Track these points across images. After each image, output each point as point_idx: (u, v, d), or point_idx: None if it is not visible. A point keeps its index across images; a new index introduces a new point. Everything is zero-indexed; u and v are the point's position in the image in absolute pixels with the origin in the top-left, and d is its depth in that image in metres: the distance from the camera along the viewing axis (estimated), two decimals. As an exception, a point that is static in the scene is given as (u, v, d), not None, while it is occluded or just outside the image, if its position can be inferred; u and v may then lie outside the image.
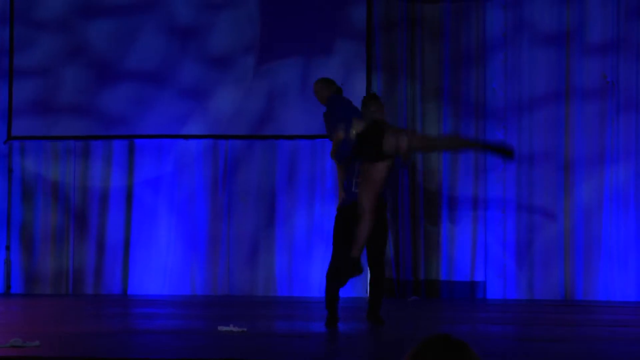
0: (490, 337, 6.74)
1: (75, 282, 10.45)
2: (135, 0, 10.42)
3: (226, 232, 10.43)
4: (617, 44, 10.00)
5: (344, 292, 10.22)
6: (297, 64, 10.30)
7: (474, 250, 10.22)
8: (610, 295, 9.93)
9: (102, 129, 10.42)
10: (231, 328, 6.47)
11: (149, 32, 10.35)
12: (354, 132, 6.64)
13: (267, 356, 5.43)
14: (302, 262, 10.37)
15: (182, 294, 10.31)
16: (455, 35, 10.28)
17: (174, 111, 10.35)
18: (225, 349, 5.59)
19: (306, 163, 10.43)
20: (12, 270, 10.55)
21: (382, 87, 10.30)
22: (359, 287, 10.29)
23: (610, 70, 10.00)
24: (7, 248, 10.56)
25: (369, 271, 7.30)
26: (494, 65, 10.24)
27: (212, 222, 10.44)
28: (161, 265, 10.44)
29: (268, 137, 10.35)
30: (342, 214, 7.02)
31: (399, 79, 10.31)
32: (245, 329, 6.51)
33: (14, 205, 10.58)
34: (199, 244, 10.45)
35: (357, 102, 7.09)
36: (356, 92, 10.04)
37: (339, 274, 6.93)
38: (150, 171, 10.54)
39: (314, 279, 10.33)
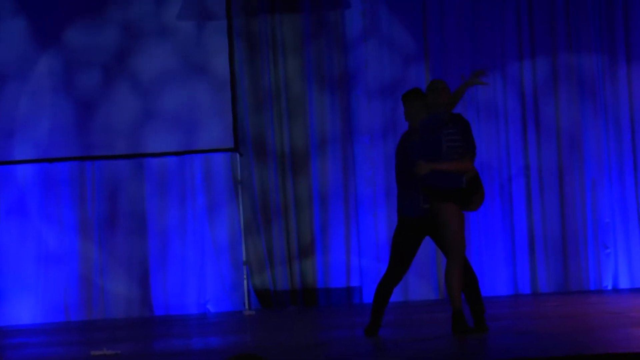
0: (368, 340, 6.80)
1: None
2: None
3: (98, 254, 10.23)
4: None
5: (216, 306, 10.18)
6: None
7: (348, 256, 10.30)
8: (482, 291, 10.10)
9: None
10: (104, 351, 6.36)
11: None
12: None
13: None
14: (177, 280, 10.25)
15: (56, 321, 10.06)
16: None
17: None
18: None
19: (175, 179, 10.33)
20: None
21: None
22: (236, 300, 10.25)
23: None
24: None
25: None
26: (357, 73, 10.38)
27: (82, 245, 10.22)
28: (32, 294, 10.16)
29: (135, 155, 10.20)
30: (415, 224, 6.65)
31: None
32: (119, 352, 6.41)
33: None
34: (71, 269, 10.21)
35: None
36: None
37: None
38: (14, 198, 10.25)
39: (190, 296, 10.24)
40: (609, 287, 10.23)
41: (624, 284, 10.24)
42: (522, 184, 10.36)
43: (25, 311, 10.13)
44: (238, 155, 10.29)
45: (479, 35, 10.39)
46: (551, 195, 10.34)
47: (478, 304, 6.78)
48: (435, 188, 6.51)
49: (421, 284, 10.23)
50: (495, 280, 10.22)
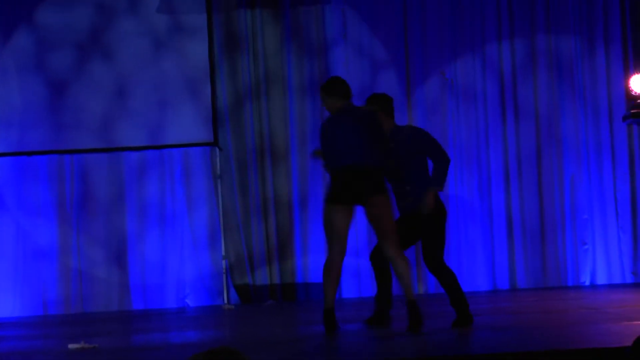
0: (345, 336, 6.81)
1: None
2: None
3: (76, 248, 10.18)
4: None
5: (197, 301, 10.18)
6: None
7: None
8: (463, 287, 10.15)
9: None
10: (82, 345, 6.34)
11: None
12: None
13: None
14: (156, 274, 10.23)
15: (34, 315, 10.02)
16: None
17: None
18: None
19: (154, 173, 10.29)
20: None
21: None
22: (215, 294, 10.23)
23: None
24: None
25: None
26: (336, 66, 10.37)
27: (61, 240, 10.18)
28: (10, 287, 10.11)
29: (114, 149, 10.16)
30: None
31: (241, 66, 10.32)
32: (96, 345, 6.39)
33: None
34: (49, 264, 10.16)
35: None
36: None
37: None
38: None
39: (169, 290, 10.21)
40: (587, 283, 10.28)
41: (601, 279, 10.29)
42: (502, 175, 10.37)
43: (3, 305, 10.07)
44: (218, 149, 10.26)
45: (459, 18, 10.38)
46: (530, 191, 10.36)
47: (460, 301, 6.83)
48: None
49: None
50: (474, 275, 10.25)
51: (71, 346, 6.37)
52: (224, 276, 10.26)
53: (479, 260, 10.28)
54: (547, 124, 10.37)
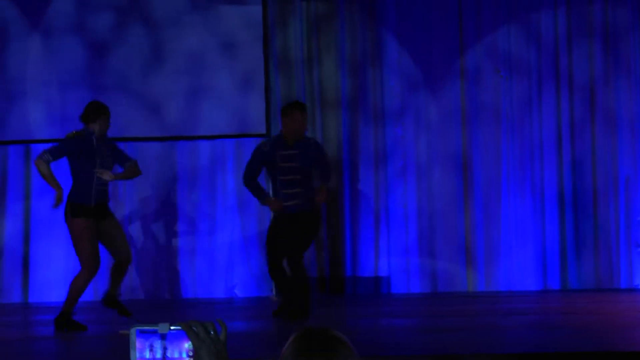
0: (393, 330, 6.81)
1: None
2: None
3: (127, 237, 10.26)
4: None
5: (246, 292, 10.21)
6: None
7: (377, 246, 10.27)
8: (511, 286, 10.10)
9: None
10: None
11: None
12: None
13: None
14: (205, 265, 10.29)
15: (84, 300, 10.11)
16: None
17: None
18: (127, 351, 5.51)
19: (206, 164, 10.34)
20: None
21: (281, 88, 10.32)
22: (263, 285, 10.27)
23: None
24: None
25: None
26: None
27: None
28: (62, 272, 10.23)
29: (167, 138, 10.22)
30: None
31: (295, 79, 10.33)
32: (146, 331, 6.43)
33: None
34: (101, 249, 10.24)
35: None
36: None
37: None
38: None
39: (217, 281, 10.27)
40: (640, 286, 10.14)
41: (655, 283, 10.14)
42: (555, 178, 10.24)
43: (55, 289, 10.19)
44: (270, 141, 10.27)
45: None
46: (584, 192, 10.21)
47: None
48: None
49: (449, 276, 10.15)
50: (525, 275, 10.14)
51: (122, 332, 6.43)
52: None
53: (529, 259, 10.16)
54: (602, 106, 10.15)
